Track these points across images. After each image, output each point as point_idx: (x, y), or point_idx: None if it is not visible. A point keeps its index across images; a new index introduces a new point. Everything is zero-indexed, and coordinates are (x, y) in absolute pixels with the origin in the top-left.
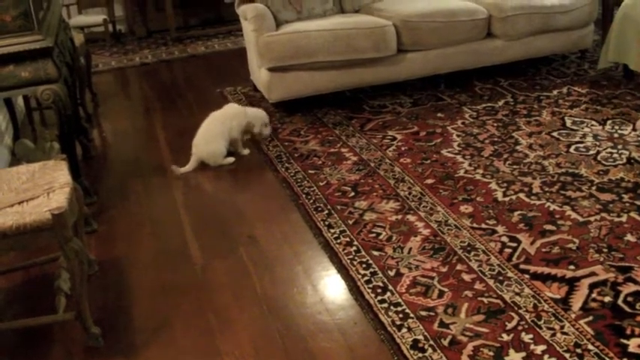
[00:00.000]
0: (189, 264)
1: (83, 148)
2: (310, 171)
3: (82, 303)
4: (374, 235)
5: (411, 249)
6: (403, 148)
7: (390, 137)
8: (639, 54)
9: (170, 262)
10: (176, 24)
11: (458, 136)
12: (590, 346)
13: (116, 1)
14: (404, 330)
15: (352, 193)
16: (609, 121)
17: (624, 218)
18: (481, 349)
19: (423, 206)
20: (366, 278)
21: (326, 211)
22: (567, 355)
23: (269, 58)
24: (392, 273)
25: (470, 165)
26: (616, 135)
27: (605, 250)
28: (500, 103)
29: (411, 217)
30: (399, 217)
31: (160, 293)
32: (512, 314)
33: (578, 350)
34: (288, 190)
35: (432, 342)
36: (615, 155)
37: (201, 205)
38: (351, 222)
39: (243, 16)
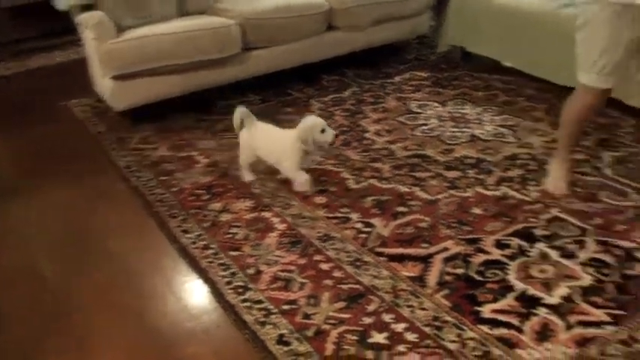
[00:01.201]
0: (43, 284)
1: None
2: (162, 177)
3: None
4: (231, 235)
5: (268, 245)
6: None
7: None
8: (476, 36)
9: (23, 284)
10: (12, 37)
11: None
12: (447, 318)
13: None
14: (268, 326)
15: (206, 196)
16: (451, 102)
17: (470, 193)
18: (345, 335)
19: (278, 202)
20: (226, 279)
21: (181, 217)
22: (427, 329)
23: (112, 66)
24: (252, 271)
25: (321, 156)
26: (457, 114)
27: (454, 225)
28: (347, 93)
29: (266, 214)
30: (255, 214)
31: (15, 320)
32: (372, 297)
33: (437, 323)
34: (140, 199)
35: (296, 334)
36: (458, 134)
37: (52, 221)
38: (206, 225)
39: (83, 25)
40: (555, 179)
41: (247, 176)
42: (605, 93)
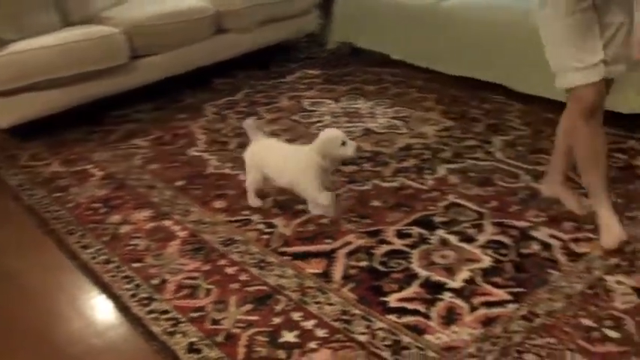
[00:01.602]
0: None
1: None
2: (56, 194)
3: None
4: (132, 247)
5: (171, 254)
6: (150, 155)
7: (135, 146)
8: (363, 32)
9: None
10: None
11: (203, 134)
12: (355, 311)
13: None
14: (177, 336)
15: (104, 209)
16: (343, 98)
17: (369, 186)
18: (255, 337)
19: (178, 209)
20: (130, 292)
21: (79, 233)
22: (337, 324)
23: None
24: (156, 281)
25: (218, 160)
26: (351, 110)
27: (355, 218)
28: (240, 95)
29: (166, 222)
30: (155, 224)
31: None
32: (280, 297)
33: (346, 317)
34: (35, 217)
35: (207, 341)
36: (353, 128)
37: None
38: (106, 239)
39: None
40: (608, 230)
41: (254, 202)
42: (598, 89)
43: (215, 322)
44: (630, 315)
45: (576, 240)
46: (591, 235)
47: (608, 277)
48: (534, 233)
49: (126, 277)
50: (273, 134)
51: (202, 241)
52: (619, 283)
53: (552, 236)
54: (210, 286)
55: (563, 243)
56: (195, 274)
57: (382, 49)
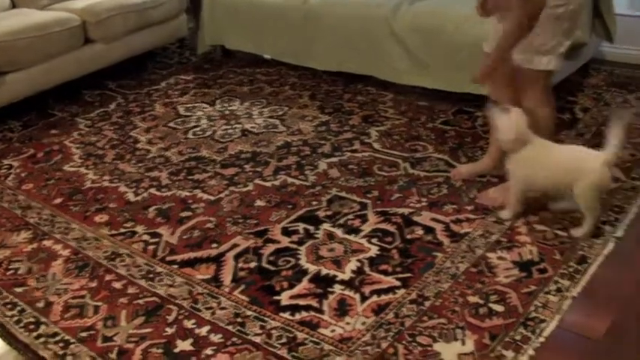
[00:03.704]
0: None
1: None
2: None
3: None
4: (12, 271)
5: (55, 274)
6: (23, 175)
7: (6, 166)
8: (232, 33)
9: None
10: None
11: (77, 148)
12: (248, 312)
13: None
14: (69, 358)
15: None
16: (218, 101)
17: (251, 187)
18: (150, 349)
19: (57, 228)
20: (15, 319)
21: None
22: (231, 327)
23: None
24: (41, 304)
25: (95, 174)
26: (227, 112)
27: (240, 220)
28: (113, 106)
29: (47, 243)
30: (35, 245)
31: None
32: (171, 307)
33: (239, 319)
34: None
35: (100, 359)
36: (230, 131)
37: None
38: None
39: None
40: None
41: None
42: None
43: (107, 339)
44: (513, 288)
45: (457, 221)
46: (471, 216)
47: (490, 254)
48: (417, 218)
49: (8, 303)
50: (150, 143)
51: (86, 257)
52: (500, 258)
53: (434, 220)
54: (98, 303)
55: (445, 225)
56: (82, 293)
57: (253, 50)
